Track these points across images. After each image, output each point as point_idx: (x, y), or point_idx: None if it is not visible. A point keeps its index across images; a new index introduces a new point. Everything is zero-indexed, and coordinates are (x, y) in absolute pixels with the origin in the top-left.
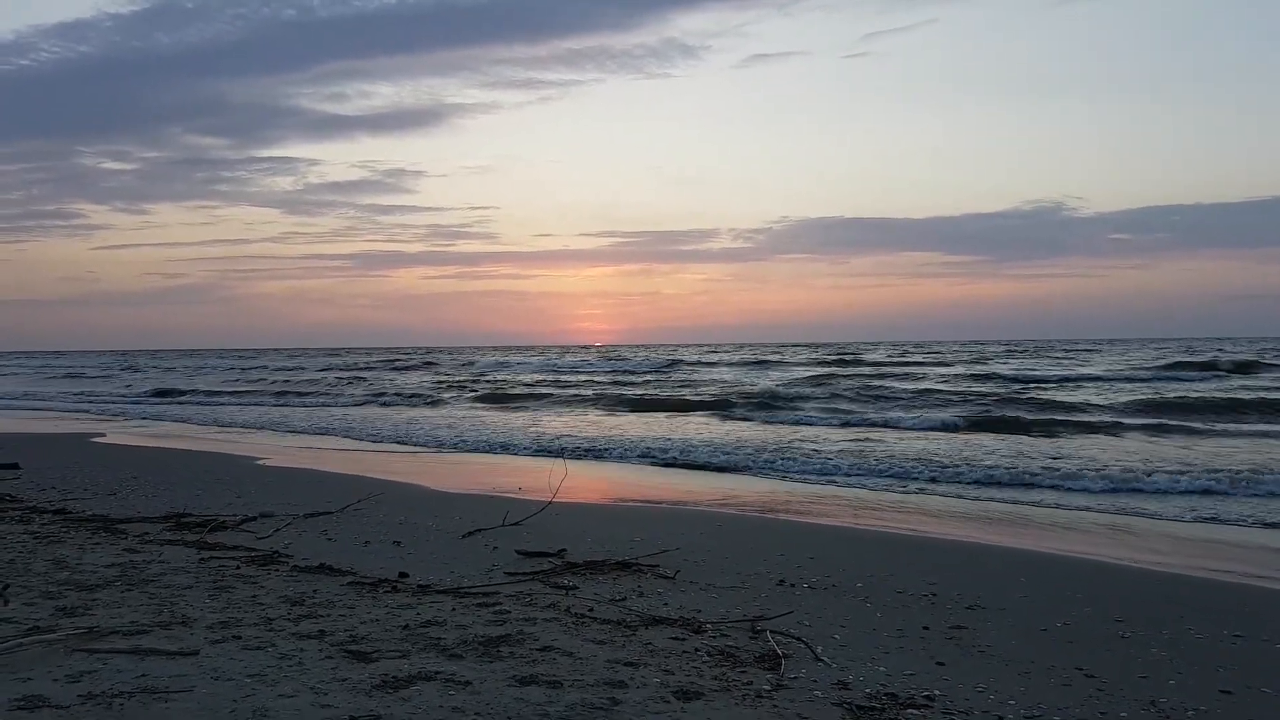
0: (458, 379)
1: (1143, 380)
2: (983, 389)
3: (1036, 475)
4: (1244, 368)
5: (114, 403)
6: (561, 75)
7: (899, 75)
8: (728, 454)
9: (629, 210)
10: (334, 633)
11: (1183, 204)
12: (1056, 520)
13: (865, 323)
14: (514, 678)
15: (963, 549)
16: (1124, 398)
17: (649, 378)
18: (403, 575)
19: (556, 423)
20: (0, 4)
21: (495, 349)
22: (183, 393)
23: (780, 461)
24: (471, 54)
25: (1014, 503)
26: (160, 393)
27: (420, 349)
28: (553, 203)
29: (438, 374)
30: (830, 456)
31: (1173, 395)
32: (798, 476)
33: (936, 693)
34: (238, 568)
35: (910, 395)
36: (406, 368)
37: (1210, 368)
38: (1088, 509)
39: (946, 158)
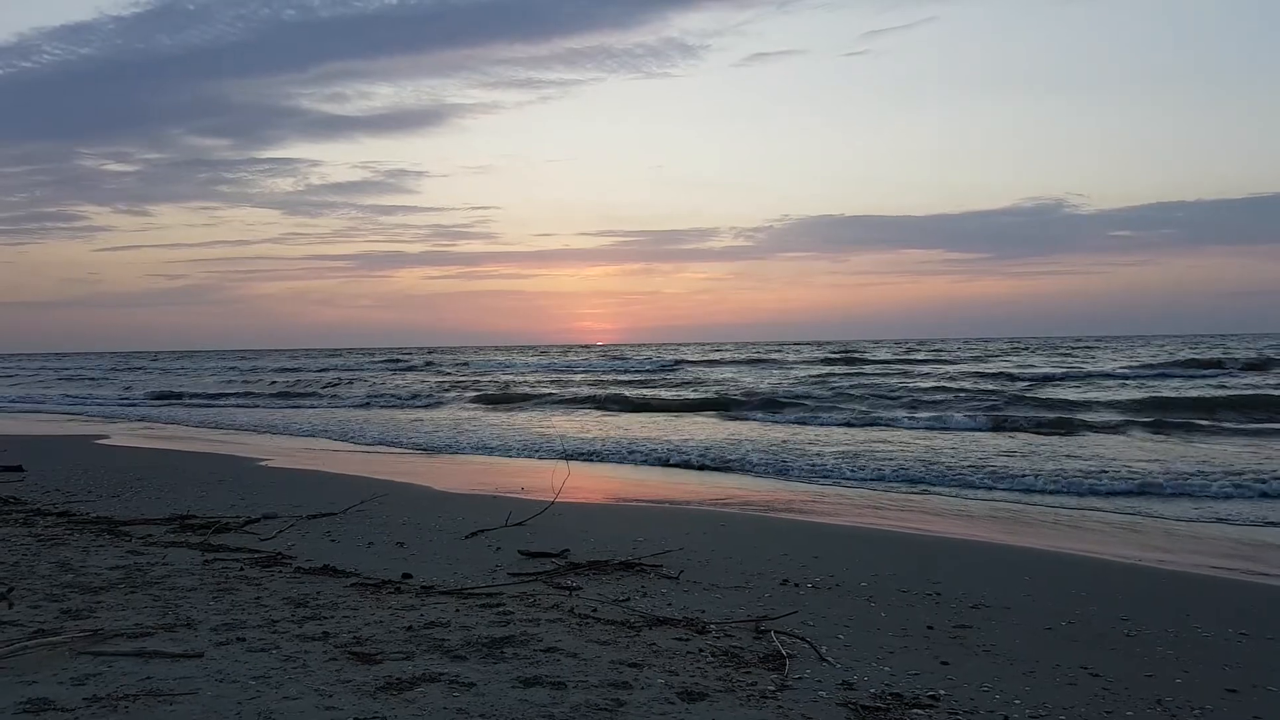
0: (459, 379)
1: (1152, 377)
2: (991, 387)
3: (1053, 475)
4: (1256, 365)
5: (114, 405)
6: (562, 75)
7: (899, 73)
8: (731, 454)
9: (629, 209)
10: (338, 634)
11: (1185, 201)
12: (1060, 518)
13: (867, 321)
14: (518, 679)
15: (966, 548)
16: (1137, 395)
17: (651, 377)
18: (406, 576)
19: (558, 423)
20: (2, 6)
21: (497, 349)
22: (183, 395)
23: (784, 462)
24: (472, 54)
25: (1039, 506)
26: (161, 395)
27: (422, 349)
28: (553, 202)
29: (439, 374)
30: (835, 457)
31: (1190, 393)
32: (798, 477)
33: (941, 692)
34: (241, 569)
35: (916, 393)
36: (408, 368)
37: (1216, 365)
38: (1103, 511)
39: (947, 155)
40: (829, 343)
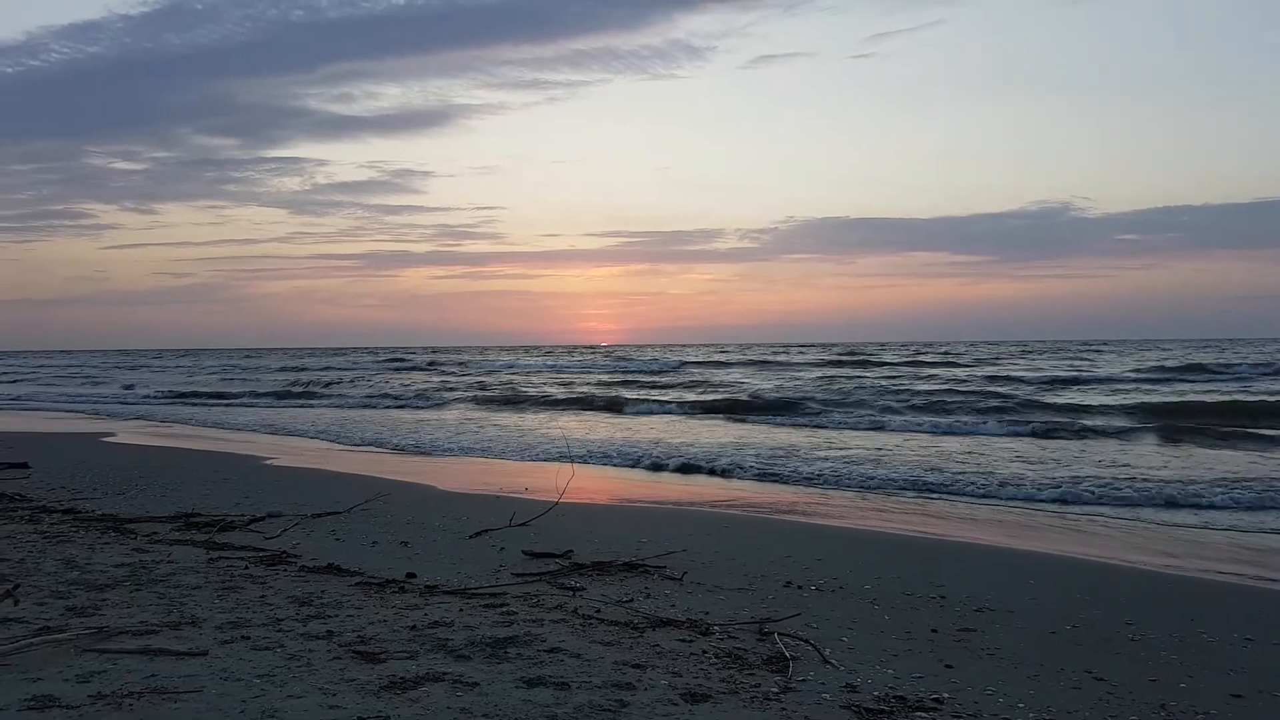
0: (464, 379)
1: (1160, 382)
2: (1000, 390)
3: (1060, 483)
4: (1268, 372)
5: (112, 403)
6: (568, 76)
7: (905, 76)
8: (737, 457)
9: (635, 210)
10: (342, 633)
11: (1191, 204)
12: (1066, 523)
13: (872, 323)
14: (521, 679)
15: (971, 551)
16: (1146, 400)
17: (656, 379)
18: (410, 576)
19: (562, 424)
20: (10, 5)
21: (502, 349)
22: (187, 394)
23: (789, 467)
24: (479, 55)
25: (1044, 513)
26: (165, 393)
27: (426, 349)
28: (559, 203)
29: (443, 374)
30: (842, 462)
31: (1202, 398)
32: (799, 481)
33: (945, 695)
34: (246, 568)
35: (922, 397)
36: (412, 368)
37: (1225, 370)
38: (1109, 516)
39: (953, 158)
40: (834, 345)
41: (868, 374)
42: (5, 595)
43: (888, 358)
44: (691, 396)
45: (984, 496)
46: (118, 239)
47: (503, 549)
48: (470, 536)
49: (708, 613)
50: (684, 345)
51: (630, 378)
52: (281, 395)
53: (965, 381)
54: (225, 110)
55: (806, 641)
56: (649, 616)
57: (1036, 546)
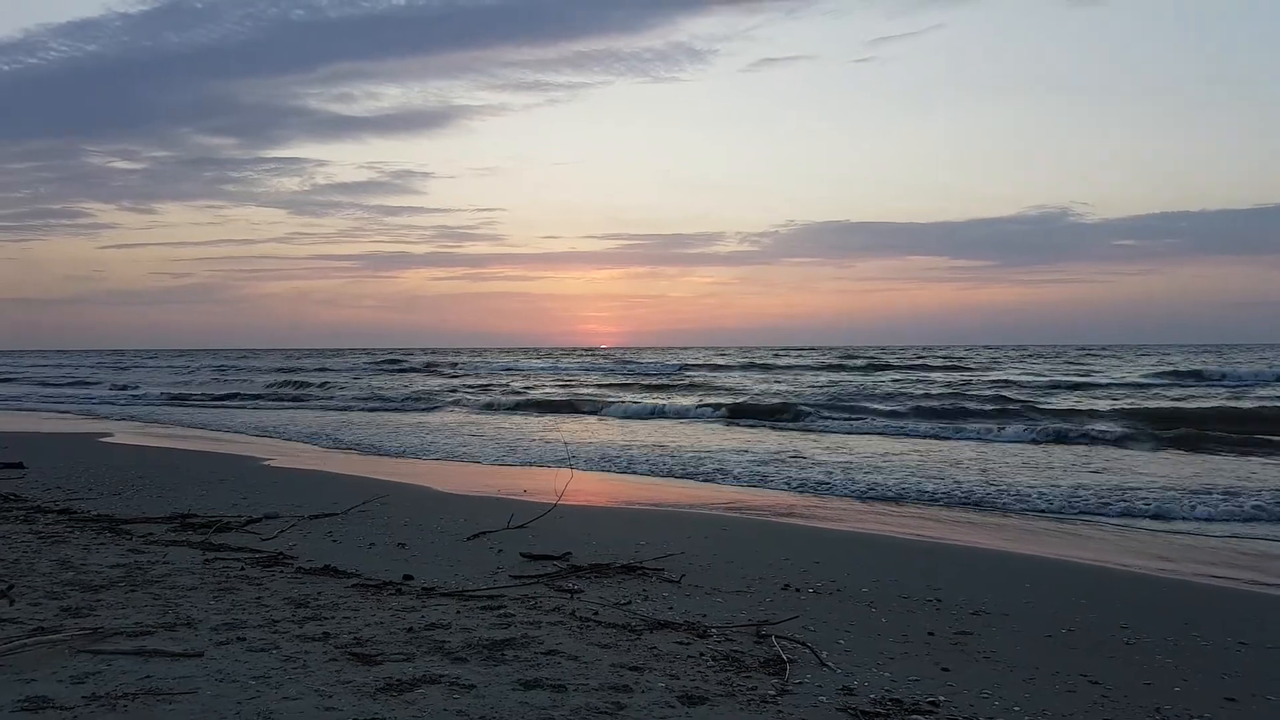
0: (461, 381)
1: (1160, 388)
2: (1003, 394)
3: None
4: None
5: (105, 404)
6: (569, 78)
7: (906, 80)
8: (734, 461)
9: (636, 213)
10: (338, 635)
11: (1189, 210)
12: (1062, 527)
13: (872, 327)
14: (518, 681)
15: (968, 554)
16: (1145, 405)
17: (656, 381)
18: (407, 578)
19: (562, 426)
20: (8, 3)
21: (501, 351)
22: (178, 395)
23: (786, 469)
24: (480, 56)
25: (1045, 519)
26: (152, 397)
27: (426, 350)
28: (560, 205)
29: (441, 376)
30: (843, 468)
31: (1200, 405)
32: (797, 484)
33: (941, 698)
34: (242, 569)
35: (922, 400)
36: (409, 370)
37: (1221, 378)
38: (1107, 520)
39: (953, 163)
40: (835, 348)
41: (869, 378)
42: (0, 595)
43: (890, 361)
44: (692, 400)
45: (995, 508)
46: (116, 238)
47: (500, 551)
48: (468, 538)
49: (705, 615)
50: (684, 348)
51: (630, 380)
52: (273, 397)
53: (969, 385)
54: (224, 110)
55: (804, 644)
56: (647, 619)
57: (1033, 550)
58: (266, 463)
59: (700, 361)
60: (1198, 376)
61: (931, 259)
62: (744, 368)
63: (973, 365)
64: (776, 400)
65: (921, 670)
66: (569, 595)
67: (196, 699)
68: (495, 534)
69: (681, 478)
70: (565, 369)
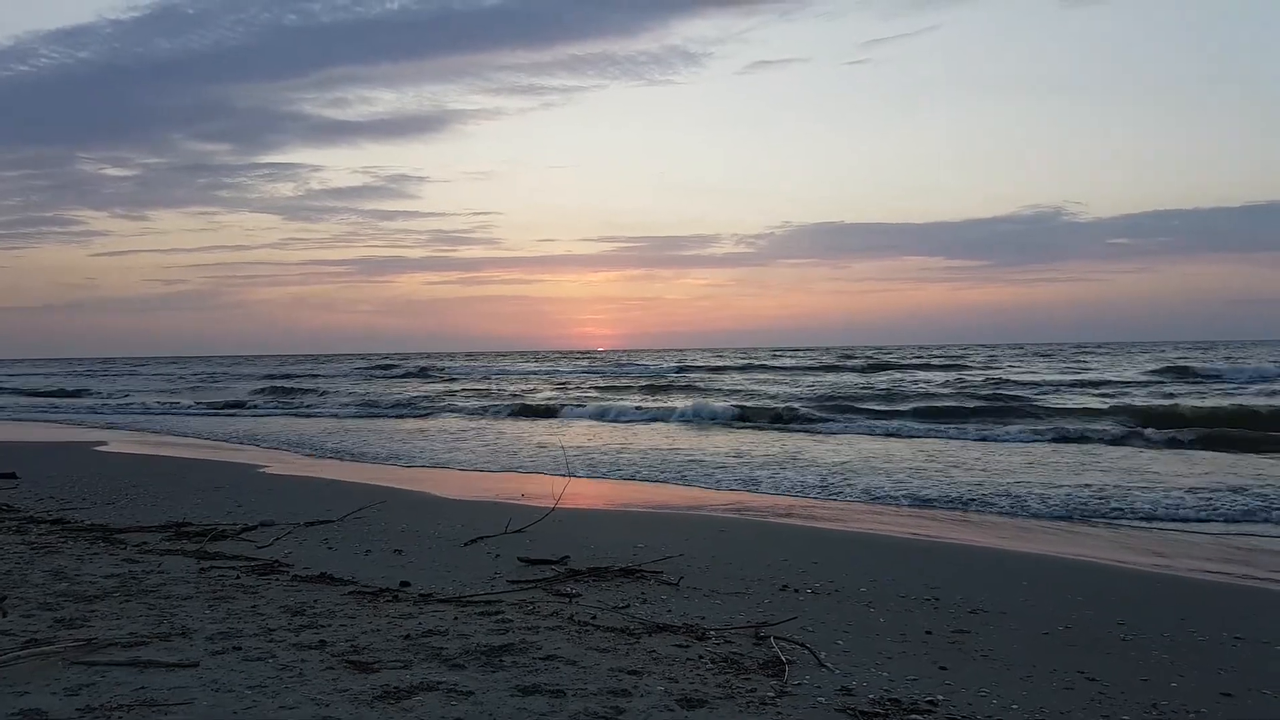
0: (456, 385)
1: (1154, 385)
2: (997, 393)
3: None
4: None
5: (94, 413)
6: (564, 81)
7: (900, 82)
8: (734, 463)
9: (631, 215)
10: (335, 643)
11: (1182, 209)
12: (1058, 526)
13: (868, 328)
14: (516, 687)
15: (964, 553)
16: (1142, 403)
17: (653, 383)
18: (404, 584)
19: (559, 430)
20: (0, 9)
21: (498, 354)
22: (172, 404)
23: (786, 470)
24: (474, 60)
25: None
26: (147, 404)
27: (422, 354)
28: (555, 208)
29: (437, 380)
30: (844, 466)
31: (1194, 402)
32: (801, 486)
33: (939, 697)
34: (238, 577)
35: (920, 401)
36: (405, 375)
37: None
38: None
39: (947, 163)
40: (831, 349)
41: (868, 378)
42: None
43: (889, 361)
44: (689, 402)
45: (995, 509)
46: (108, 246)
47: (498, 556)
48: (465, 544)
49: (704, 617)
50: (680, 350)
51: (626, 383)
52: (268, 403)
53: (968, 384)
54: (218, 115)
55: (802, 645)
56: (645, 622)
57: (1029, 548)
58: (261, 470)
59: (697, 363)
60: (1194, 374)
61: (927, 259)
62: (741, 369)
63: (971, 364)
64: (775, 401)
65: (920, 669)
66: (567, 599)
67: (192, 709)
68: (492, 539)
69: (679, 480)
70: (561, 372)
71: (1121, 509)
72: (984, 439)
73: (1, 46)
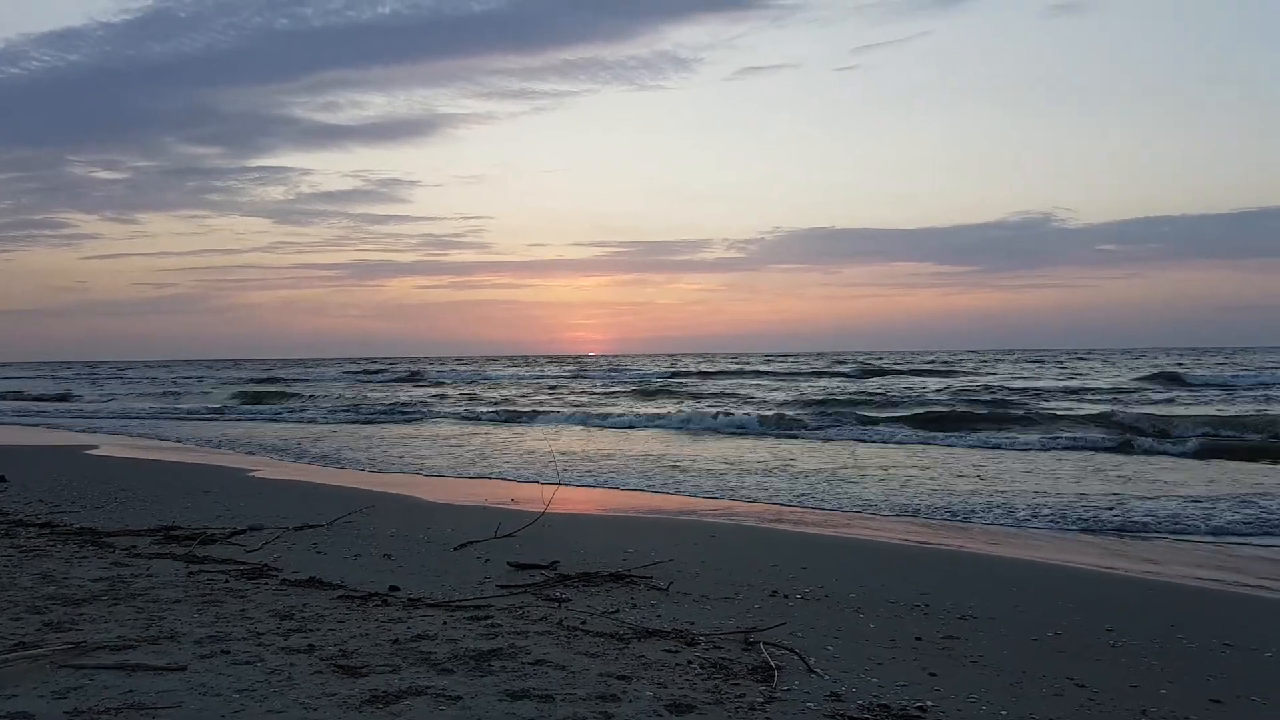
0: (447, 391)
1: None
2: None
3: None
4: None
5: (77, 417)
6: (555, 86)
7: (890, 88)
8: (725, 469)
9: (622, 220)
10: (323, 647)
11: (1170, 215)
12: (1049, 532)
13: (859, 332)
14: (505, 692)
15: (954, 559)
16: (1136, 410)
17: (644, 388)
18: (393, 589)
19: (549, 435)
20: None
21: (488, 359)
22: (161, 409)
23: (777, 476)
24: (465, 64)
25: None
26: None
27: (412, 358)
28: (546, 212)
29: (426, 385)
30: (836, 472)
31: (1192, 411)
32: (792, 491)
33: (929, 703)
34: (226, 581)
35: (914, 407)
36: (395, 379)
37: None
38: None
39: (937, 169)
40: (822, 354)
41: (860, 384)
42: None
43: (881, 367)
44: (680, 407)
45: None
46: (98, 249)
47: (488, 561)
48: (455, 549)
49: (694, 623)
50: (671, 355)
51: (618, 388)
52: (259, 408)
53: (961, 391)
54: (208, 119)
55: (792, 651)
56: (634, 627)
57: (1019, 554)
58: (250, 474)
59: (689, 368)
60: (1184, 380)
61: (917, 265)
62: (733, 374)
63: (962, 370)
64: (767, 407)
65: (909, 675)
66: (556, 604)
67: (180, 713)
68: (482, 543)
69: (670, 485)
70: (552, 377)
71: (1118, 518)
72: (976, 445)
73: None
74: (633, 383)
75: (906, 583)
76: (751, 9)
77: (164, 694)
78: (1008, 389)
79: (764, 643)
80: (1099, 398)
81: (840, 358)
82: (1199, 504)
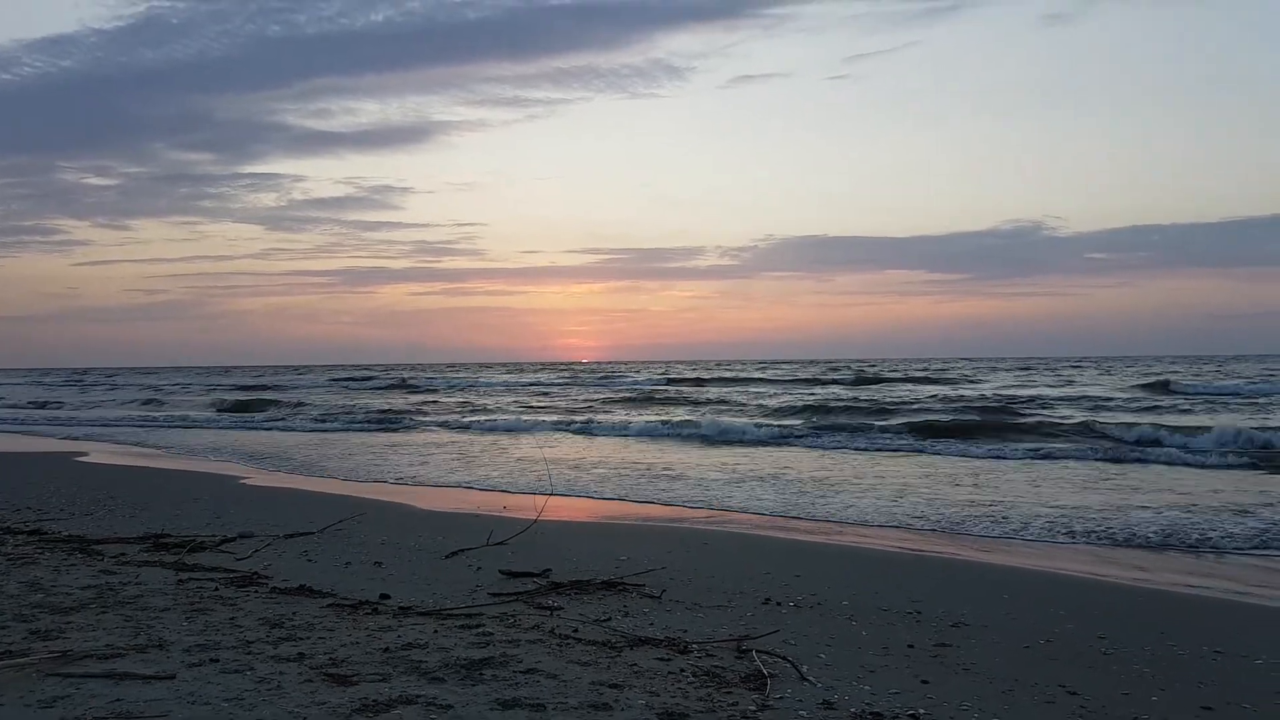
0: (439, 399)
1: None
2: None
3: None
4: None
5: (47, 424)
6: (549, 94)
7: (882, 97)
8: (718, 477)
9: (616, 228)
10: (313, 655)
11: (1160, 224)
12: (1043, 540)
13: (852, 340)
14: (497, 701)
15: (947, 566)
16: (1129, 419)
17: (637, 396)
18: (384, 597)
19: (542, 442)
20: None
21: (481, 365)
22: (149, 417)
23: (770, 484)
24: (459, 72)
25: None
26: (129, 414)
27: (405, 365)
28: (540, 220)
29: (418, 393)
30: (830, 480)
31: (1180, 421)
32: (785, 499)
33: (921, 711)
34: (216, 589)
35: (910, 414)
36: (387, 386)
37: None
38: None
39: (929, 177)
40: (815, 362)
41: (854, 391)
42: None
43: (875, 374)
44: (674, 415)
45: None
46: (89, 255)
47: (479, 569)
48: (446, 556)
49: (686, 631)
50: (664, 362)
51: (610, 396)
52: (246, 416)
53: (953, 400)
54: (200, 125)
55: (784, 659)
56: (627, 635)
57: (1011, 562)
58: (241, 481)
59: (682, 375)
60: (1176, 389)
61: (909, 272)
62: (726, 382)
63: (956, 378)
64: (761, 414)
65: (902, 683)
66: (548, 613)
67: None
68: (474, 551)
69: (663, 493)
70: (545, 384)
71: (1111, 526)
72: (969, 454)
73: None
74: (626, 390)
75: (899, 590)
76: (744, 18)
77: (152, 703)
78: (1001, 397)
79: (757, 650)
80: (1091, 406)
81: (833, 365)
82: (1190, 514)
